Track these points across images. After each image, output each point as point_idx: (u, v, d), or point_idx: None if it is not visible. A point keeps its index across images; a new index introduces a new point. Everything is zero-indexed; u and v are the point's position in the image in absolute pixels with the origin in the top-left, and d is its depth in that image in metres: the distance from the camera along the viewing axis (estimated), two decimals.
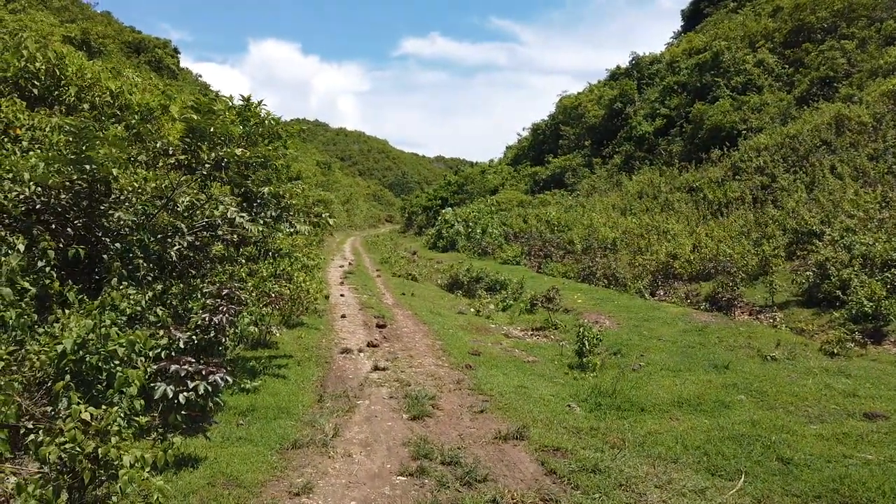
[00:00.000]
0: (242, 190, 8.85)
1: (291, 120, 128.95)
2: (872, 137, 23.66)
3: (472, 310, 17.71)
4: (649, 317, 15.30)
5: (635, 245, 25.32)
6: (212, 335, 6.91)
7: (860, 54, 30.99)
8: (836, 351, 11.19)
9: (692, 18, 57.49)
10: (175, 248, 8.25)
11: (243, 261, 8.74)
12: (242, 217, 7.86)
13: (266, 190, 8.71)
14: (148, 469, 4.44)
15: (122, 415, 4.53)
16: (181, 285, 8.13)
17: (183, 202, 8.58)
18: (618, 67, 51.74)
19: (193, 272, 9.22)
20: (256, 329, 10.84)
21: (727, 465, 6.13)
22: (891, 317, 12.93)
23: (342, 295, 18.17)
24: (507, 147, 68.73)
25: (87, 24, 34.95)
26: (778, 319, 15.43)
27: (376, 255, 33.59)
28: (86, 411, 4.19)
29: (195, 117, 7.62)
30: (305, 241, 19.73)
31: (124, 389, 4.77)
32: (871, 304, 13.14)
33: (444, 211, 42.83)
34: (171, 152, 7.91)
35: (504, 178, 53.06)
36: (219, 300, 7.07)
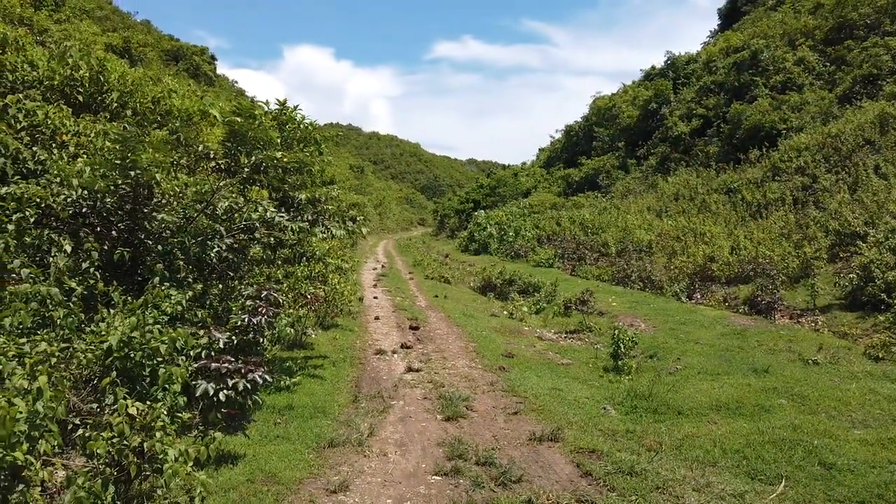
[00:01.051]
0: (280, 194, 9.01)
1: (325, 124, 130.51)
2: None
3: (504, 312, 17.67)
4: (686, 320, 15.07)
5: (671, 247, 24.97)
6: (250, 335, 7.04)
7: None
8: (880, 355, 10.87)
9: (729, 17, 56.43)
10: (214, 250, 8.44)
11: (280, 262, 8.88)
12: (282, 217, 7.99)
13: (303, 196, 8.85)
14: (191, 464, 4.56)
15: (165, 411, 4.65)
16: (220, 287, 8.30)
17: (222, 206, 8.78)
18: (653, 68, 51.09)
19: (232, 274, 9.41)
20: (293, 330, 11.03)
21: (767, 469, 6.01)
22: None
23: (375, 297, 18.31)
24: (539, 149, 68.47)
25: (128, 33, 35.95)
26: (820, 323, 15.04)
27: (409, 257, 33.77)
28: (132, 406, 4.32)
29: (238, 120, 7.79)
30: (340, 244, 19.95)
31: (167, 386, 4.91)
32: None
33: (476, 214, 42.82)
34: (212, 156, 8.11)
35: (537, 180, 52.83)
36: (258, 301, 7.21)
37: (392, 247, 41.75)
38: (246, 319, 6.98)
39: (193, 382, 5.86)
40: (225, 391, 5.89)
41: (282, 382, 7.87)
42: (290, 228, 8.06)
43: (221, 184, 8.66)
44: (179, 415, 4.85)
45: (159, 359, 5.06)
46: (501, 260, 30.52)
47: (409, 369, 10.35)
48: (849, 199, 21.39)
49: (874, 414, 7.68)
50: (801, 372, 9.75)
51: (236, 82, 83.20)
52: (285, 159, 8.24)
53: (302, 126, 12.62)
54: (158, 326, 5.31)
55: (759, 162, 29.89)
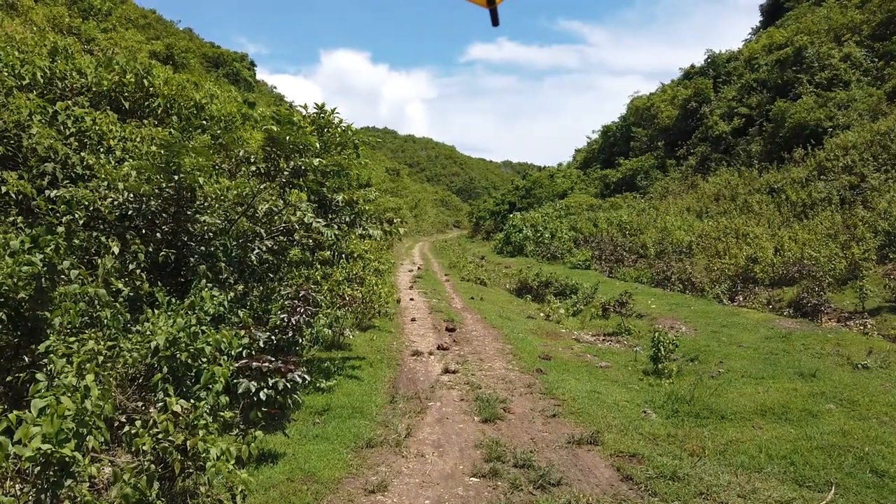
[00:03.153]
0: (318, 196, 9.12)
1: (361, 128, 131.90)
2: None
3: (541, 314, 17.54)
4: (728, 323, 14.73)
5: (712, 249, 24.46)
6: (289, 335, 7.14)
7: None
8: None
9: (772, 13, 55.03)
10: (255, 251, 8.58)
11: (318, 265, 8.98)
12: (319, 222, 8.09)
13: (340, 197, 8.94)
14: (232, 462, 4.63)
15: (208, 409, 4.73)
16: (261, 287, 8.44)
17: (262, 208, 8.93)
18: (692, 66, 50.13)
19: (272, 275, 9.56)
20: (330, 331, 11.14)
21: (816, 476, 5.82)
22: None
23: (412, 299, 18.38)
24: (575, 150, 67.88)
25: (171, 40, 36.86)
26: (869, 326, 14.54)
27: (444, 259, 33.80)
28: (176, 404, 4.41)
29: (275, 128, 7.92)
30: (377, 245, 20.08)
31: (211, 385, 5.00)
32: None
33: (511, 215, 42.68)
34: (252, 160, 8.25)
35: (573, 181, 52.34)
36: (296, 301, 7.30)
37: (428, 249, 41.86)
38: (285, 319, 7.07)
39: (235, 381, 5.96)
40: (266, 390, 5.97)
41: (320, 383, 7.95)
42: (325, 234, 8.14)
43: (262, 187, 8.82)
44: (222, 414, 4.93)
45: (204, 359, 5.16)
46: (537, 262, 30.32)
47: (446, 371, 10.35)
48: None
49: None
50: (849, 376, 9.43)
51: (275, 87, 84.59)
52: (324, 164, 8.34)
53: (339, 130, 12.77)
54: (203, 327, 5.41)
55: (804, 161, 29.09)
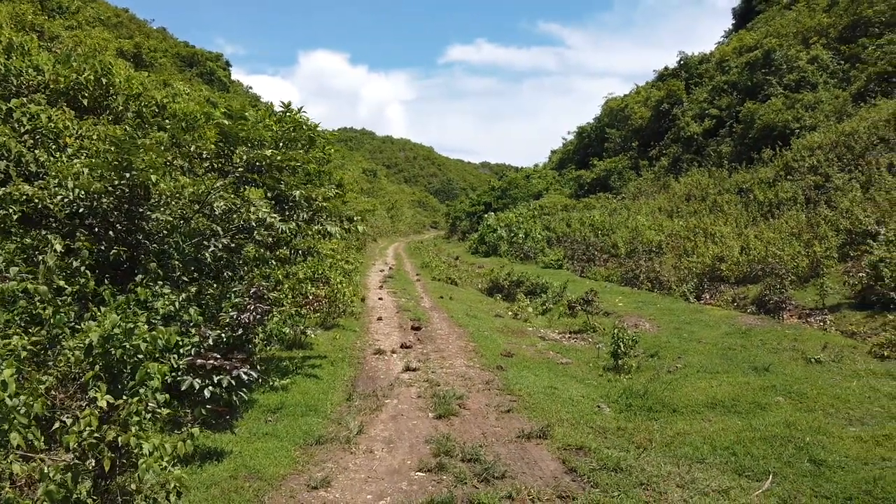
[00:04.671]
0: (275, 193, 9.07)
1: (339, 129, 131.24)
2: None
3: (509, 313, 17.63)
4: (691, 320, 14.93)
5: (681, 248, 24.75)
6: (239, 333, 7.09)
7: None
8: (886, 354, 10.68)
9: (744, 16, 55.91)
10: (210, 249, 8.51)
11: (274, 262, 8.93)
12: (274, 217, 8.05)
13: (297, 193, 8.90)
14: (168, 459, 4.58)
15: (144, 406, 4.68)
16: (216, 286, 8.37)
17: (220, 206, 8.85)
18: (666, 68, 50.70)
19: (231, 273, 9.48)
20: (291, 330, 11.08)
21: (756, 465, 5.92)
22: None
23: (380, 298, 18.34)
24: (552, 151, 68.27)
25: (140, 39, 36.39)
26: (828, 322, 14.82)
27: (418, 260, 33.80)
28: (101, 399, 4.36)
29: (226, 123, 7.87)
30: (345, 245, 20.03)
31: (146, 382, 4.95)
32: None
33: (486, 216, 42.80)
34: (205, 156, 8.19)
35: (549, 182, 52.67)
36: (248, 299, 7.25)
37: (402, 249, 41.81)
38: (235, 316, 7.02)
39: (179, 378, 5.91)
40: (210, 388, 5.92)
41: (274, 382, 7.91)
42: (280, 229, 8.11)
43: (218, 184, 8.75)
44: (158, 411, 4.88)
45: (141, 356, 5.10)
46: (510, 262, 30.45)
47: (407, 368, 10.35)
48: (861, 198, 21.07)
49: (872, 411, 7.54)
50: (802, 370, 9.61)
51: (251, 88, 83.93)
52: (277, 158, 8.30)
53: (300, 126, 12.72)
54: (142, 324, 5.35)
55: (772, 161, 29.55)
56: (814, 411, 7.62)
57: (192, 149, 8.10)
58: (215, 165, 8.31)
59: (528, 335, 14.49)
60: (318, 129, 12.01)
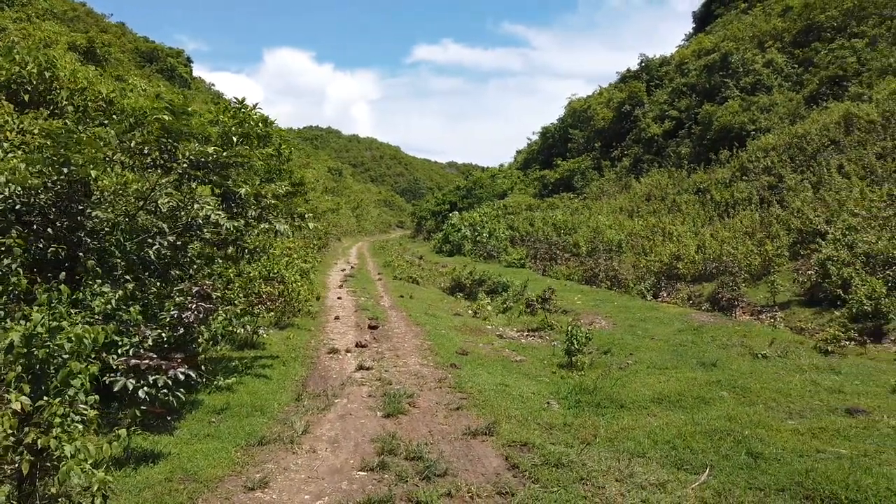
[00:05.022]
0: (222, 190, 8.89)
1: (304, 128, 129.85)
2: (881, 136, 23.26)
3: (469, 312, 17.65)
4: (646, 317, 15.14)
5: (640, 247, 25.12)
6: (181, 332, 6.92)
7: (870, 53, 30.53)
8: (830, 349, 10.98)
9: (703, 20, 57.06)
10: (154, 247, 8.29)
11: (220, 260, 8.75)
12: (219, 214, 7.89)
13: (243, 190, 8.74)
14: (92, 461, 4.43)
15: (68, 408, 4.52)
16: (160, 285, 8.17)
17: (166, 203, 8.63)
18: (628, 70, 51.44)
19: (180, 272, 9.26)
20: (243, 330, 10.89)
21: (694, 459, 6.01)
22: (891, 315, 12.67)
23: (339, 297, 18.18)
24: (517, 151, 68.67)
25: (93, 33, 35.42)
26: (778, 319, 15.19)
27: (381, 259, 33.64)
28: (16, 400, 4.20)
29: (166, 118, 7.68)
30: (304, 243, 19.80)
31: (72, 382, 4.78)
32: (870, 302, 12.89)
33: (451, 215, 42.83)
34: (146, 152, 7.98)
35: (513, 182, 52.95)
36: (190, 298, 7.08)
37: (367, 249, 41.57)
38: (175, 315, 6.85)
39: (112, 379, 5.74)
40: (146, 388, 5.76)
41: (219, 382, 7.75)
42: (225, 226, 7.94)
43: (164, 181, 8.54)
44: (85, 411, 4.71)
45: (65, 356, 4.93)
46: (474, 261, 30.49)
47: (360, 367, 10.27)
48: (812, 198, 21.66)
49: (812, 405, 7.73)
50: (748, 365, 9.81)
51: (213, 85, 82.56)
52: (222, 154, 8.14)
53: (259, 124, 12.51)
54: (67, 323, 5.16)
55: (729, 162, 30.19)
56: (755, 405, 7.77)
57: (132, 144, 7.88)
58: (158, 162, 8.10)
59: (487, 333, 14.52)
60: (272, 124, 11.85)
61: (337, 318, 14.82)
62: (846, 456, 5.90)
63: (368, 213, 71.25)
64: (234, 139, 11.25)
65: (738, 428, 6.74)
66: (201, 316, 7.04)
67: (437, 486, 5.48)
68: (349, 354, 11.29)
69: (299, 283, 13.42)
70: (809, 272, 16.11)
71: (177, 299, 7.05)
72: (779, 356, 10.45)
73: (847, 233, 16.68)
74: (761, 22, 40.68)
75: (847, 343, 11.97)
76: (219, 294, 7.84)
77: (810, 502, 5.09)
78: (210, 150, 7.95)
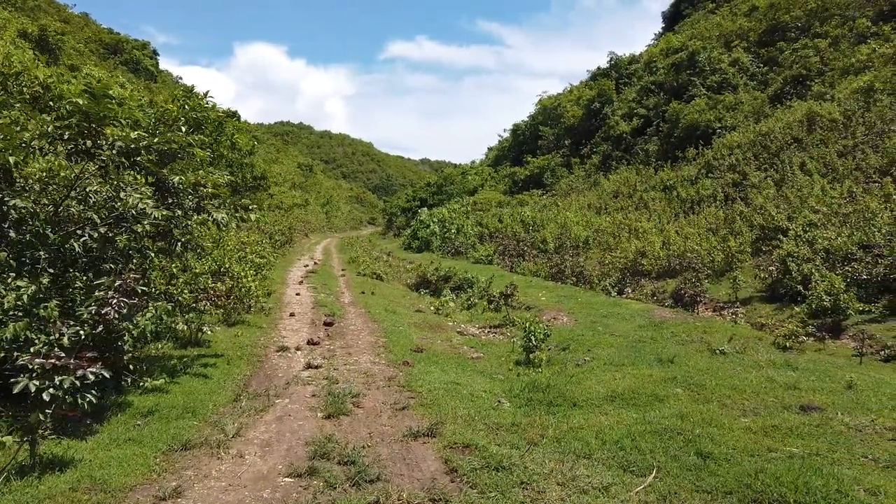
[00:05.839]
0: (155, 179, 8.37)
1: (275, 123, 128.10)
2: (843, 134, 23.49)
3: (431, 308, 17.29)
4: (609, 313, 14.94)
5: (606, 243, 25.03)
6: (100, 329, 6.43)
7: (833, 52, 30.91)
8: (788, 345, 10.87)
9: (672, 19, 57.42)
10: (82, 239, 7.76)
11: (152, 254, 8.24)
12: (146, 203, 7.39)
13: (176, 179, 8.24)
14: None
15: None
16: (86, 279, 7.64)
17: (94, 192, 8.09)
18: (598, 68, 51.54)
19: (112, 266, 8.72)
20: (186, 327, 10.38)
21: (642, 460, 5.72)
22: (849, 311, 12.64)
23: (298, 294, 17.67)
24: (488, 148, 68.53)
25: (48, 22, 34.17)
26: (739, 315, 15.13)
27: (347, 255, 33.10)
28: None
29: (81, 102, 7.16)
30: (260, 237, 19.24)
31: None
32: (829, 297, 12.84)
33: (420, 211, 42.43)
34: (65, 137, 7.45)
35: (484, 178, 52.73)
36: (112, 293, 6.58)
37: (334, 245, 40.94)
38: (94, 311, 6.36)
39: (14, 380, 5.25)
40: (51, 390, 5.28)
41: (146, 382, 7.27)
42: (152, 215, 7.45)
43: (92, 168, 8.01)
44: None
45: None
46: (441, 257, 30.15)
47: (309, 366, 9.85)
48: (774, 195, 21.75)
49: (767, 402, 7.53)
50: (705, 362, 9.61)
51: (181, 78, 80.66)
52: (155, 140, 7.64)
53: (210, 113, 12.01)
54: None
55: (695, 160, 30.34)
56: (710, 402, 7.55)
57: (48, 129, 7.34)
58: (82, 147, 7.57)
59: (447, 330, 14.18)
60: (228, 114, 11.34)
61: (292, 314, 14.34)
62: (798, 455, 5.68)
63: (339, 210, 70.42)
64: (183, 127, 10.74)
65: (689, 427, 6.48)
66: (124, 311, 6.55)
67: (366, 493, 5.10)
68: (299, 352, 10.85)
69: (250, 279, 12.91)
70: (771, 268, 16.09)
71: (97, 294, 6.54)
72: (737, 352, 10.29)
73: (808, 229, 16.72)
74: (728, 21, 41.00)
75: (806, 339, 11.90)
76: (146, 288, 7.33)
77: None
78: (133, 135, 7.44)
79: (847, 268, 14.05)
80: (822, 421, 6.58)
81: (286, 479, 5.46)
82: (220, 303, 11.72)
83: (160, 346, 9.91)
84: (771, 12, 36.73)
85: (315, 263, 26.91)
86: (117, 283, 6.64)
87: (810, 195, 19.62)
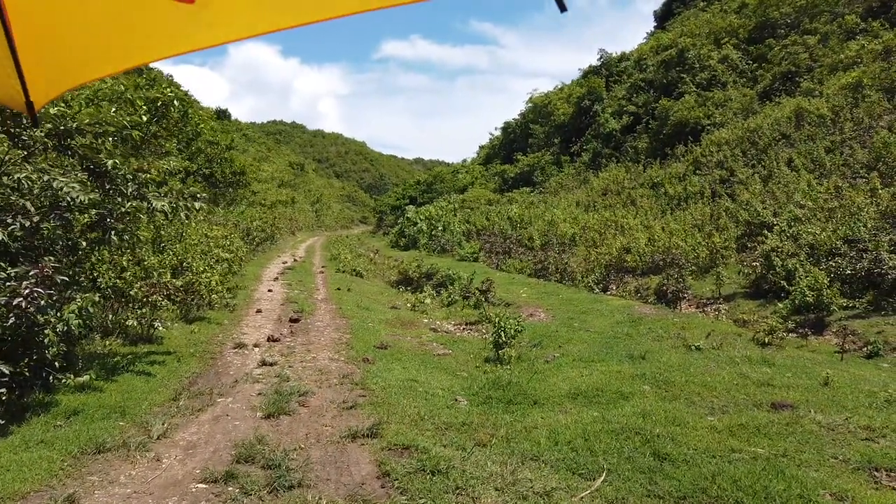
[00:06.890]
0: (93, 164, 7.88)
1: (268, 122, 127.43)
2: (830, 130, 23.14)
3: (408, 305, 16.82)
4: (588, 309, 14.49)
5: (592, 240, 24.60)
6: (11, 322, 5.94)
7: (822, 49, 30.58)
8: (767, 340, 10.44)
9: (664, 18, 57.12)
10: (10, 228, 7.27)
11: (84, 244, 7.75)
12: (72, 187, 6.90)
13: (110, 163, 7.74)
14: None
15: None
16: (12, 270, 7.14)
17: (29, 178, 7.60)
18: (589, 66, 51.17)
19: (52, 258, 8.21)
20: (137, 323, 9.89)
21: (593, 462, 5.25)
22: (833, 307, 12.22)
23: (270, 290, 17.17)
24: (479, 147, 68.15)
25: None
26: (722, 311, 14.72)
27: (330, 253, 32.58)
28: None
29: None
30: (225, 232, 18.73)
31: None
32: (812, 293, 12.41)
33: (407, 209, 41.96)
34: None
35: (474, 177, 52.33)
36: (27, 284, 6.08)
37: (321, 243, 40.36)
38: (3, 303, 5.86)
39: None
40: None
41: (68, 381, 6.78)
42: (78, 199, 6.96)
43: (19, 151, 7.52)
44: None
45: None
46: (427, 255, 29.67)
47: (263, 363, 9.35)
48: (761, 191, 21.38)
49: (737, 399, 7.08)
50: (679, 358, 9.16)
51: (171, 76, 79.93)
52: (85, 120, 7.15)
53: (168, 91, 11.52)
54: None
55: (684, 157, 29.99)
56: (677, 400, 7.10)
57: None
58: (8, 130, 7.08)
59: (420, 327, 13.70)
60: (182, 97, 10.83)
61: (259, 311, 13.84)
62: (763, 456, 5.22)
63: (329, 209, 69.83)
64: (142, 109, 10.15)
65: (649, 426, 6.02)
66: (41, 303, 6.06)
67: (283, 500, 4.62)
68: (257, 349, 10.36)
69: (209, 274, 12.39)
70: (755, 264, 15.69)
71: (9, 283, 6.05)
72: (713, 348, 9.85)
73: (792, 224, 16.32)
74: (718, 18, 40.66)
75: (786, 335, 11.49)
76: (66, 278, 6.84)
77: None
78: (52, 111, 6.94)
79: (831, 263, 13.65)
80: (792, 419, 6.12)
81: (199, 484, 4.96)
82: (176, 298, 11.20)
83: (108, 342, 9.41)
84: (760, 9, 36.40)
85: (295, 260, 26.37)
86: (32, 271, 6.14)
87: (796, 190, 19.23)
